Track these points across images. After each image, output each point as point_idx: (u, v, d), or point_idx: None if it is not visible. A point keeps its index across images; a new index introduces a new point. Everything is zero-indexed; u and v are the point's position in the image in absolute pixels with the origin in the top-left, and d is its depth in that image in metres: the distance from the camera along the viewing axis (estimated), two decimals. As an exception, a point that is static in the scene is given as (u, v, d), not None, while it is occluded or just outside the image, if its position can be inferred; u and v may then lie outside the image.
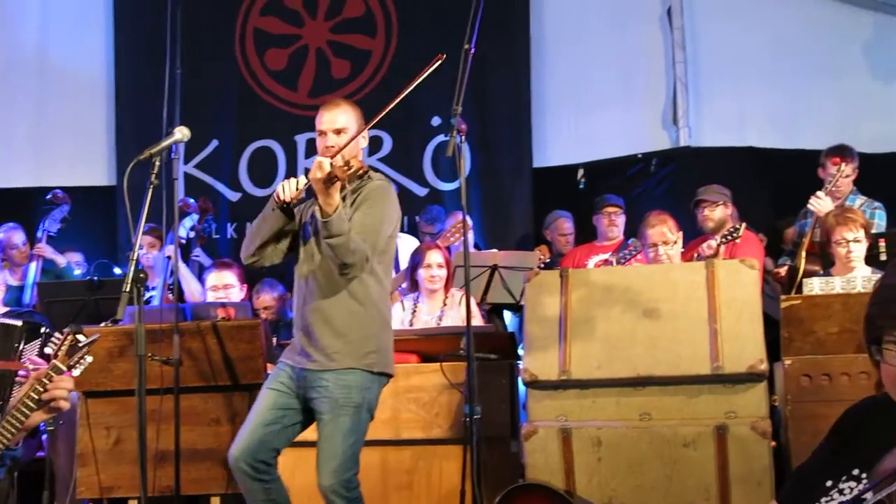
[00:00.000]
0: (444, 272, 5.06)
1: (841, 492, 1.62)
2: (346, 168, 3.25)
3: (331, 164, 3.26)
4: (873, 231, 5.08)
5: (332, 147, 3.51)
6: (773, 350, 4.17)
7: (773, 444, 3.74)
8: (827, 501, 1.63)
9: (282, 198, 3.53)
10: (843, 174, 5.34)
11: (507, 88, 7.55)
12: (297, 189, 3.51)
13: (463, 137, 3.74)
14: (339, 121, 3.58)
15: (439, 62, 3.45)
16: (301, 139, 7.83)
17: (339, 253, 3.33)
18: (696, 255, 5.21)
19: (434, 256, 5.09)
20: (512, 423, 4.26)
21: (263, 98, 7.98)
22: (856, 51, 7.45)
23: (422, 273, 5.08)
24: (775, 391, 4.14)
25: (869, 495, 1.50)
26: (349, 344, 3.43)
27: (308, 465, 3.48)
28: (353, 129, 3.57)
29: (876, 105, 7.33)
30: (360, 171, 3.45)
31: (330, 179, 3.24)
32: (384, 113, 3.53)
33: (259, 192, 7.83)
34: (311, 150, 7.77)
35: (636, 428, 3.78)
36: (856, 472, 1.63)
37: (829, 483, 1.66)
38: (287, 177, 7.60)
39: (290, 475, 3.62)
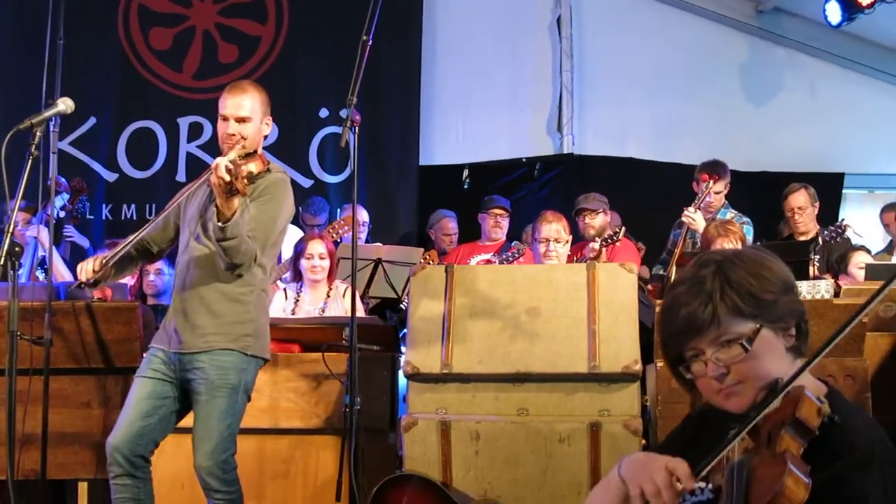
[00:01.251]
0: (326, 263, 5.04)
1: (692, 492, 1.70)
2: (246, 183, 3.20)
3: (229, 172, 3.15)
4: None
5: (234, 135, 3.45)
6: (646, 354, 4.33)
7: (644, 442, 3.88)
8: (682, 501, 1.70)
9: (80, 279, 3.51)
10: (713, 190, 5.58)
11: (397, 86, 7.56)
12: (92, 271, 3.48)
13: (357, 129, 3.72)
14: (244, 107, 3.50)
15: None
16: (184, 122, 7.63)
17: (230, 254, 3.30)
18: (576, 257, 5.35)
19: (316, 247, 5.06)
20: (391, 415, 4.28)
21: (146, 77, 7.73)
22: (733, 72, 7.83)
23: (304, 263, 5.05)
24: (647, 392, 4.29)
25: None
26: (225, 325, 3.40)
27: (182, 449, 3.40)
28: (258, 118, 3.52)
29: (749, 126, 7.73)
30: (261, 173, 3.41)
31: (230, 191, 3.17)
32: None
33: (137, 174, 7.59)
34: (195, 133, 7.60)
35: (514, 423, 3.85)
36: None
37: None
38: (167, 159, 7.51)
39: (167, 460, 3.53)
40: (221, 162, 3.17)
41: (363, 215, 6.36)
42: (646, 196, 7.18)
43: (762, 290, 1.69)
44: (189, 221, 3.55)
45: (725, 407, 1.73)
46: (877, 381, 4.32)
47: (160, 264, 5.44)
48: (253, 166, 3.32)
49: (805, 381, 1.70)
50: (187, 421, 3.46)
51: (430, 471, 3.81)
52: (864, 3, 6.26)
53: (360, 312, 4.95)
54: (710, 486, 1.68)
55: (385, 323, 5.26)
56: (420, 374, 3.89)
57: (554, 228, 4.91)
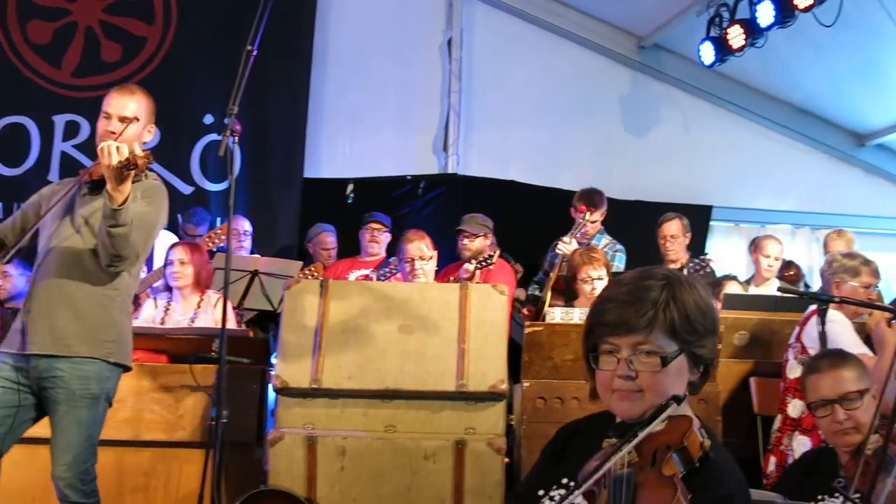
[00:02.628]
0: (187, 270, 4.91)
1: (552, 498, 1.77)
2: (146, 159, 3.14)
3: (130, 150, 3.12)
4: (613, 272, 5.52)
5: (113, 133, 3.38)
6: (515, 373, 4.44)
7: (507, 460, 3.97)
8: None
9: None
10: (590, 220, 5.75)
11: (285, 98, 7.50)
12: None
13: (236, 139, 3.68)
14: (129, 108, 3.46)
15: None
16: (59, 120, 7.38)
17: (117, 243, 3.23)
18: (451, 277, 5.43)
19: (176, 253, 4.97)
20: (259, 429, 4.25)
21: (22, 71, 7.43)
22: (614, 103, 8.10)
23: (167, 270, 4.96)
24: (513, 411, 4.39)
25: (575, 495, 1.67)
26: (88, 330, 3.32)
27: (35, 461, 3.29)
28: (141, 123, 3.48)
29: (627, 156, 7.99)
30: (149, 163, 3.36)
31: (127, 166, 3.10)
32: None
33: (7, 171, 7.29)
34: (71, 132, 7.35)
35: (381, 439, 3.88)
36: (564, 480, 1.79)
37: (541, 492, 1.82)
38: (40, 157, 7.23)
39: (19, 472, 3.40)
40: (112, 144, 3.12)
41: (244, 225, 6.28)
42: (526, 219, 7.32)
43: (699, 321, 1.78)
44: (55, 219, 3.44)
45: (612, 407, 1.81)
46: (728, 406, 4.55)
47: (8, 268, 5.26)
48: (138, 149, 3.24)
49: (690, 413, 1.81)
50: (39, 431, 3.35)
51: (295, 486, 3.80)
52: (735, 46, 6.58)
53: (233, 324, 4.89)
54: (580, 491, 1.73)
55: (257, 335, 5.21)
56: (289, 389, 3.89)
57: (416, 247, 4.98)
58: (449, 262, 6.01)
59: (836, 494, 2.81)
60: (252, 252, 6.31)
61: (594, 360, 1.81)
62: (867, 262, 4.21)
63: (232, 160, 3.63)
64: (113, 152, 3.11)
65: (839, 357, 3.01)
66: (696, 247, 7.03)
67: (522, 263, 6.65)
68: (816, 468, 3.03)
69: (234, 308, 5.20)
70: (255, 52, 3.72)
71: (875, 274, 4.20)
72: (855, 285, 4.13)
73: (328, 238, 6.76)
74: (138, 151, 3.18)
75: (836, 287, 4.20)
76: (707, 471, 1.68)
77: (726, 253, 7.83)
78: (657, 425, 1.68)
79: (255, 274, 5.43)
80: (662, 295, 1.76)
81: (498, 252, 5.45)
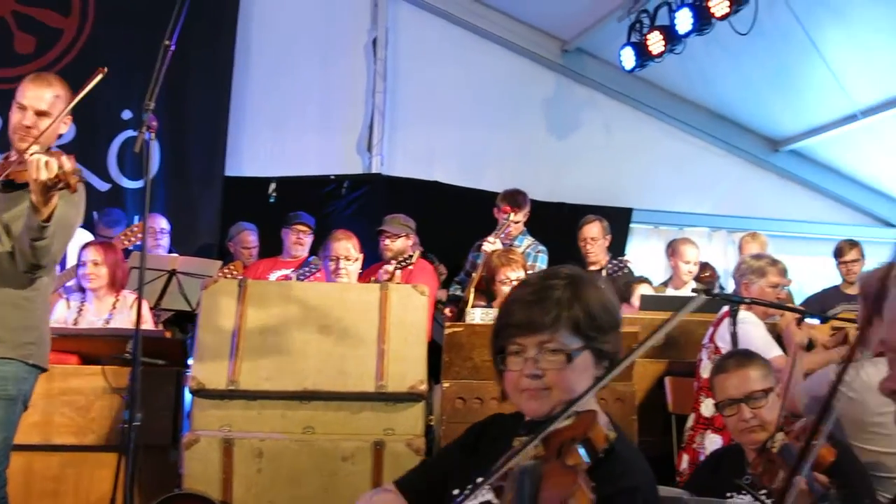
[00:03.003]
0: (101, 271, 4.78)
1: (466, 497, 1.78)
2: (76, 176, 3.03)
3: (59, 167, 2.99)
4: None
5: (30, 128, 3.27)
6: (436, 374, 4.45)
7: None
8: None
9: None
10: (513, 221, 5.80)
11: (207, 94, 7.38)
12: None
13: (153, 135, 3.60)
14: (45, 100, 3.33)
15: (101, 76, 3.33)
16: (-31, 113, 7.13)
17: (39, 255, 3.15)
18: (372, 278, 5.41)
19: (88, 254, 4.84)
20: (174, 432, 4.16)
21: (-72, 61, 7.18)
22: (537, 106, 8.19)
23: (79, 271, 4.84)
24: (433, 411, 4.40)
25: (482, 488, 1.69)
26: (8, 331, 3.23)
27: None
28: (56, 114, 3.34)
29: (550, 158, 8.09)
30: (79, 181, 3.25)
31: (56, 185, 3.00)
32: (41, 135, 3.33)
33: (-87, 166, 7.01)
34: (-19, 126, 7.11)
35: (298, 441, 3.85)
36: (479, 480, 1.81)
37: (455, 491, 1.83)
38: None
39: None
40: (42, 158, 3.00)
41: (161, 223, 6.16)
42: (449, 219, 7.35)
43: (602, 318, 1.82)
44: None
45: (522, 407, 1.84)
46: (644, 405, 4.64)
47: None
48: (68, 163, 3.13)
49: (595, 407, 1.85)
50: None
51: (210, 489, 3.74)
52: (655, 52, 6.71)
53: (149, 325, 4.79)
54: (488, 483, 1.76)
55: (175, 336, 5.12)
56: (205, 390, 3.83)
57: (343, 246, 4.95)
58: (372, 262, 5.99)
59: (744, 492, 2.88)
60: (170, 251, 6.20)
61: (502, 361, 1.84)
62: (774, 263, 4.33)
63: (148, 157, 3.55)
64: (42, 167, 2.98)
65: (745, 357, 3.09)
66: (617, 248, 7.17)
67: (446, 264, 6.67)
68: (724, 465, 3.10)
69: (150, 308, 5.09)
70: (172, 47, 3.65)
71: (782, 274, 4.32)
72: (762, 285, 4.24)
73: (249, 237, 6.68)
74: (67, 166, 3.04)
75: (745, 288, 4.31)
76: (612, 463, 1.72)
77: (646, 254, 7.99)
78: (563, 420, 1.71)
79: (172, 273, 5.33)
80: (566, 294, 1.81)
81: (418, 252, 5.46)
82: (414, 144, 7.86)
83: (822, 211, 8.74)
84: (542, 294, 1.81)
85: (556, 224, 7.20)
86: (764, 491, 2.73)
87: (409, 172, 7.74)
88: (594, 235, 6.14)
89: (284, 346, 3.93)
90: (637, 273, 6.69)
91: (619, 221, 7.84)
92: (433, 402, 4.51)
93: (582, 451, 1.68)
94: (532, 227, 6.25)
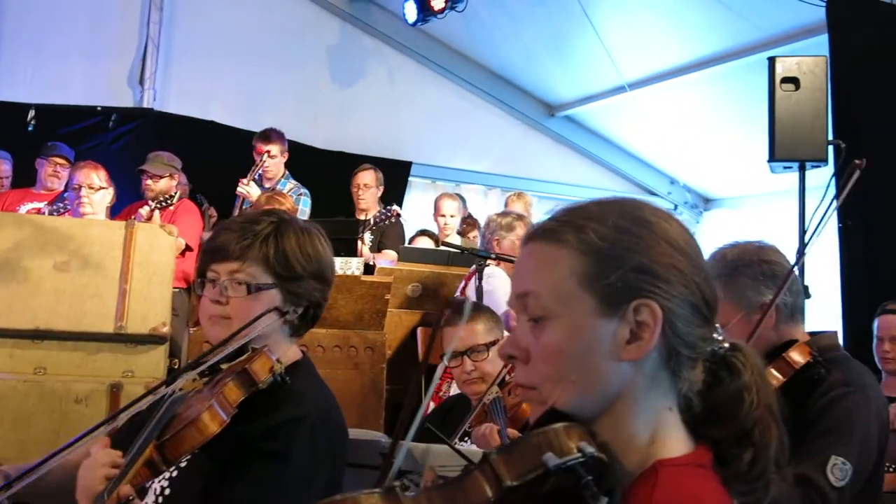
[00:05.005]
0: None
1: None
2: None
3: None
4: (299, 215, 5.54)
5: None
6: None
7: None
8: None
9: None
10: (265, 161, 5.72)
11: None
12: None
13: None
14: None
15: None
16: None
17: None
18: (133, 216, 5.19)
19: None
20: None
21: None
22: (322, 53, 8.07)
23: None
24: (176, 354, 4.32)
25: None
26: None
27: None
28: None
29: (332, 106, 8.02)
30: None
31: None
32: None
33: None
34: None
35: (28, 382, 3.65)
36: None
37: None
38: None
39: None
40: None
41: None
42: (225, 162, 7.13)
43: (298, 261, 1.85)
44: None
45: (206, 333, 1.88)
46: (396, 355, 4.75)
47: None
48: None
49: (290, 350, 1.88)
50: None
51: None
52: (437, 8, 6.78)
53: None
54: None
55: None
56: (-78, 324, 3.55)
57: (85, 174, 4.73)
58: (136, 199, 5.74)
59: (466, 438, 3.02)
60: None
61: (200, 286, 1.85)
62: (521, 217, 4.52)
63: None
64: None
65: (473, 311, 3.18)
66: (395, 201, 7.21)
67: (219, 207, 6.50)
68: (454, 412, 3.23)
69: None
70: None
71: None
72: (513, 240, 4.41)
73: (3, 166, 6.23)
74: None
75: (496, 244, 4.47)
76: (280, 395, 1.75)
77: (424, 208, 8.10)
78: (223, 356, 1.75)
79: None
80: (267, 230, 1.85)
81: (180, 193, 5.28)
82: (191, 81, 7.54)
83: (592, 177, 9.17)
84: (246, 226, 1.85)
85: (334, 172, 7.16)
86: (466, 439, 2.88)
87: (184, 110, 7.43)
88: (367, 182, 6.17)
89: (16, 280, 3.69)
90: (416, 226, 6.82)
91: (397, 174, 7.93)
92: (183, 345, 4.42)
93: (236, 380, 1.69)
94: (310, 175, 6.19)
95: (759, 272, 2.23)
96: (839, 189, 2.28)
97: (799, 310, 2.31)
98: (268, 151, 5.66)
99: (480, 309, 3.18)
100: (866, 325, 4.04)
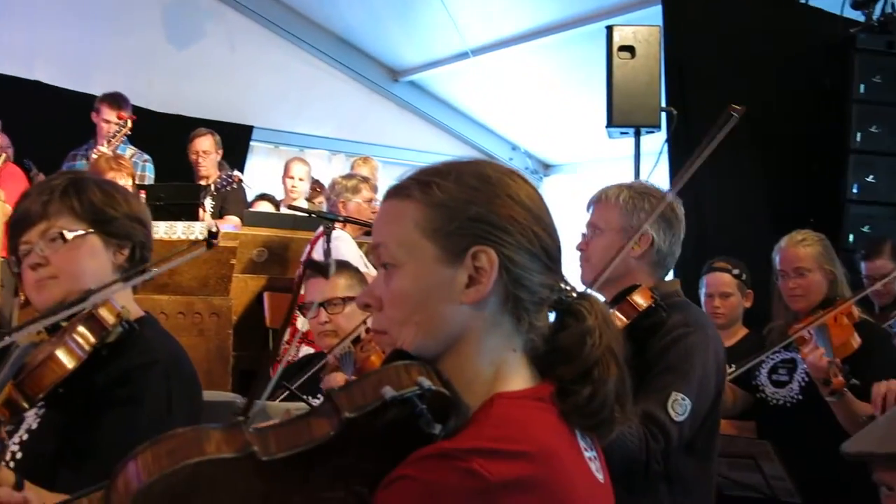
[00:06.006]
0: None
1: None
2: None
3: None
4: (146, 183, 5.37)
5: None
6: None
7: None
8: None
9: None
10: (108, 120, 5.48)
11: None
12: None
13: None
14: None
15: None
16: None
17: None
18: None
19: None
20: None
21: None
22: (156, 10, 7.72)
23: None
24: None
25: None
26: None
27: None
28: None
29: (168, 67, 7.69)
30: None
31: None
32: None
33: None
34: None
35: None
36: None
37: None
38: None
39: None
40: None
41: None
42: (52, 124, 6.76)
43: (105, 204, 1.81)
44: None
45: (32, 301, 1.81)
46: (241, 321, 4.67)
47: None
48: None
49: (132, 307, 1.83)
50: None
51: None
52: (278, -32, 6.62)
53: None
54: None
55: None
56: None
57: None
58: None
59: (319, 396, 3.02)
60: None
61: (17, 264, 1.79)
62: (366, 180, 4.55)
63: None
64: None
65: (339, 268, 3.23)
66: (236, 166, 7.02)
67: (47, 172, 6.15)
68: (304, 371, 3.23)
69: None
70: None
71: (374, 190, 4.54)
72: (359, 202, 4.41)
73: None
74: None
75: (342, 207, 4.46)
76: (131, 341, 1.74)
77: (266, 173, 7.95)
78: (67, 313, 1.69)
79: None
80: (64, 184, 1.82)
81: (4, 156, 4.97)
82: (12, 38, 7.03)
83: (435, 142, 9.22)
84: (40, 187, 1.82)
85: (171, 137, 6.89)
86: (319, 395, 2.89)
87: (5, 69, 6.93)
88: (206, 149, 5.99)
89: None
90: (257, 191, 6.70)
91: (238, 139, 7.74)
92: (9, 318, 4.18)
93: (85, 325, 1.67)
94: (146, 139, 5.95)
95: (657, 206, 2.29)
96: (713, 135, 2.26)
97: (668, 264, 2.40)
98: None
99: (346, 267, 3.23)
100: (694, 281, 4.23)
